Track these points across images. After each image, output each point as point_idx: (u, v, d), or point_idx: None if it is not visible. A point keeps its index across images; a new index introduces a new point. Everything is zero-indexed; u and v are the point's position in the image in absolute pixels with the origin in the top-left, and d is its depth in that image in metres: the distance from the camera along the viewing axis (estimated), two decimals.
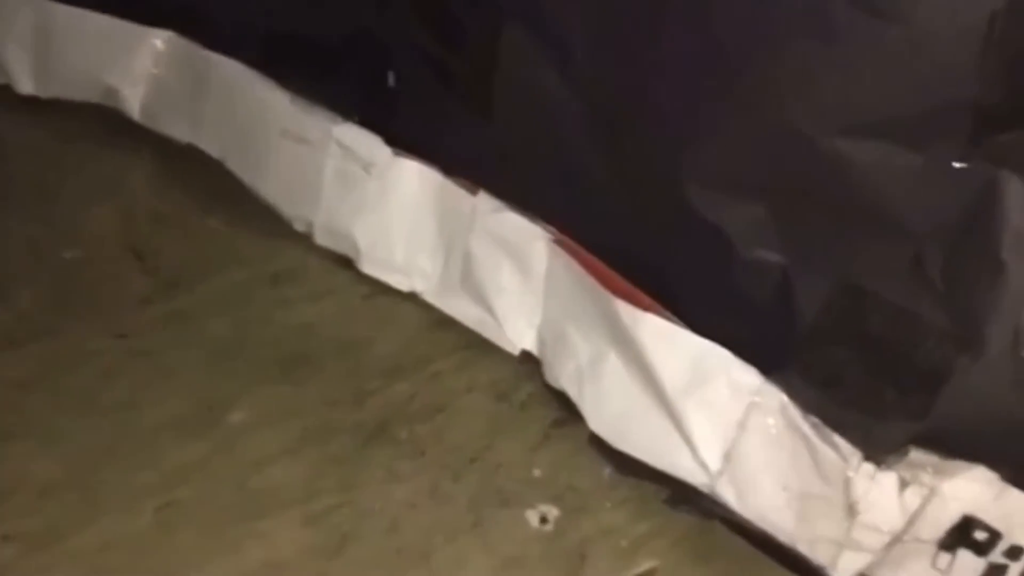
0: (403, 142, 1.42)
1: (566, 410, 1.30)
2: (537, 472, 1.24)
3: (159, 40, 1.65)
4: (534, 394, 1.34)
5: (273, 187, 1.55)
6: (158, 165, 1.62)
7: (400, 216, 1.45)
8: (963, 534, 1.04)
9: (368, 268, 1.48)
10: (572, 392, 1.31)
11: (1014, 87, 0.91)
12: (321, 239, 1.52)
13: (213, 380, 1.30)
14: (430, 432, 1.27)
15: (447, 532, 1.16)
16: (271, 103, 1.52)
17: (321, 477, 1.19)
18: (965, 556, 1.05)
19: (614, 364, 1.27)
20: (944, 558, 1.06)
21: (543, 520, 1.19)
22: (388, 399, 1.31)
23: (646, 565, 1.16)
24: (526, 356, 1.38)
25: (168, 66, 1.66)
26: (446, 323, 1.42)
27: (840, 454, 1.07)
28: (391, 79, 1.39)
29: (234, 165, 1.58)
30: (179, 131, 1.65)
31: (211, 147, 1.61)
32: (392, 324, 1.42)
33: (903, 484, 1.04)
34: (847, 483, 1.06)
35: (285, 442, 1.23)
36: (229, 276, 1.46)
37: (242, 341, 1.37)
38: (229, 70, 1.56)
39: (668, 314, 1.19)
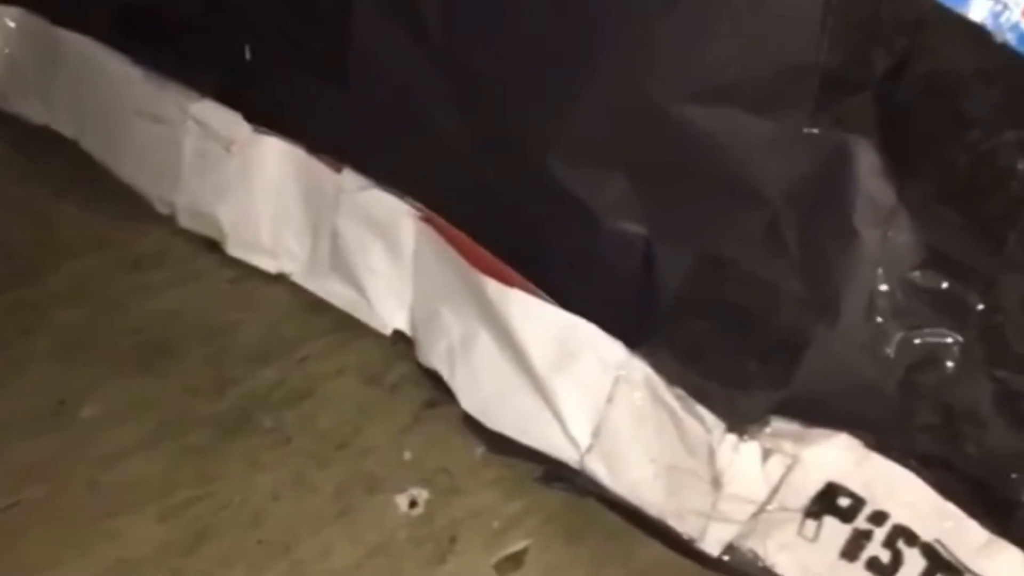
0: (263, 118, 1.36)
1: (439, 390, 1.27)
2: (408, 455, 1.21)
3: (8, 18, 1.57)
4: (406, 375, 1.31)
5: (132, 168, 1.49)
6: (8, 147, 1.55)
7: (264, 195, 1.40)
8: (828, 501, 1.04)
9: (234, 250, 1.43)
10: (444, 372, 1.28)
11: (857, 50, 0.90)
12: (184, 221, 1.46)
13: (65, 373, 1.24)
14: (296, 419, 1.23)
15: (312, 522, 1.12)
16: (125, 81, 1.45)
17: (178, 470, 1.15)
18: (831, 523, 1.05)
19: (485, 342, 1.24)
20: (810, 526, 1.06)
21: (412, 504, 1.16)
22: (253, 386, 1.26)
23: (517, 545, 1.14)
24: (399, 336, 1.34)
25: (19, 44, 1.58)
26: (316, 305, 1.38)
27: (704, 426, 1.06)
28: (247, 53, 1.33)
29: (90, 146, 1.52)
30: (33, 112, 1.58)
31: (66, 128, 1.54)
32: (259, 308, 1.38)
33: (766, 454, 1.04)
34: (711, 455, 1.06)
35: (141, 435, 1.18)
36: (85, 262, 1.39)
37: (98, 330, 1.31)
38: (81, 47, 1.49)
39: (535, 289, 1.17)
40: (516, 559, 1.13)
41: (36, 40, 1.56)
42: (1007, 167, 0.84)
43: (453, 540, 1.13)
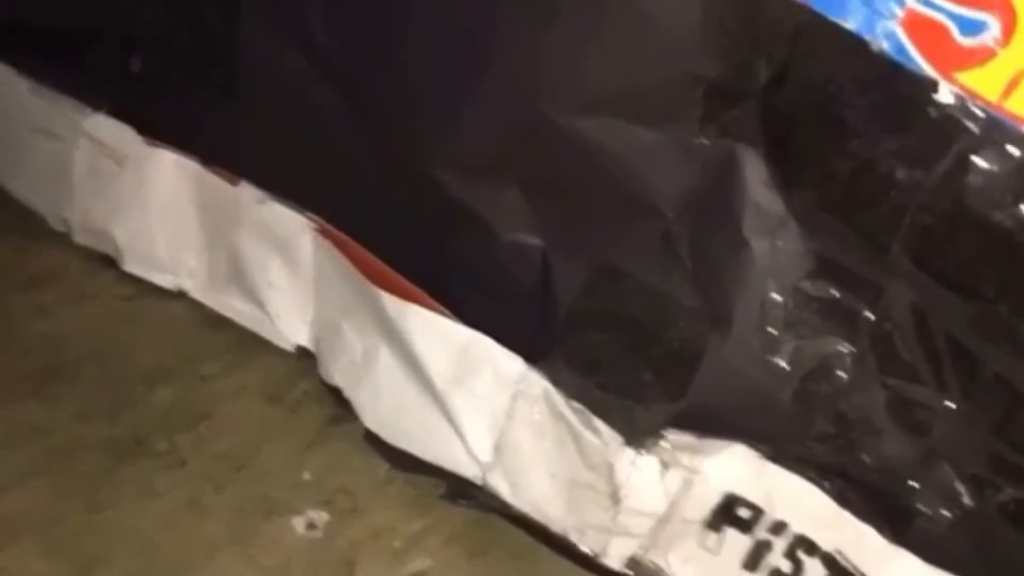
0: (156, 132, 1.32)
1: (342, 407, 1.24)
2: (307, 476, 1.18)
3: None
4: (309, 392, 1.28)
5: (25, 185, 1.43)
6: None
7: (160, 211, 1.36)
8: (727, 513, 1.03)
9: (131, 267, 1.38)
10: (346, 389, 1.25)
11: (738, 60, 0.89)
12: (80, 238, 1.41)
13: None
14: (192, 441, 1.19)
15: (206, 548, 1.09)
16: (17, 97, 1.40)
17: (66, 500, 1.11)
18: (732, 534, 1.04)
19: (386, 358, 1.21)
20: (712, 537, 1.05)
21: (311, 527, 1.13)
22: (148, 409, 1.22)
23: (418, 565, 1.12)
24: (302, 352, 1.32)
25: None
26: (217, 322, 1.34)
27: (602, 440, 1.05)
28: (136, 65, 1.29)
29: None
30: None
31: None
32: (157, 327, 1.33)
33: (664, 467, 1.03)
34: (610, 469, 1.04)
35: (27, 465, 1.13)
36: None
37: None
38: None
39: (434, 304, 1.15)
40: None
41: None
42: (887, 176, 0.83)
43: (352, 563, 1.11)
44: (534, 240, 1.07)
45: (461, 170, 1.08)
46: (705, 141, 0.95)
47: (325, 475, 1.19)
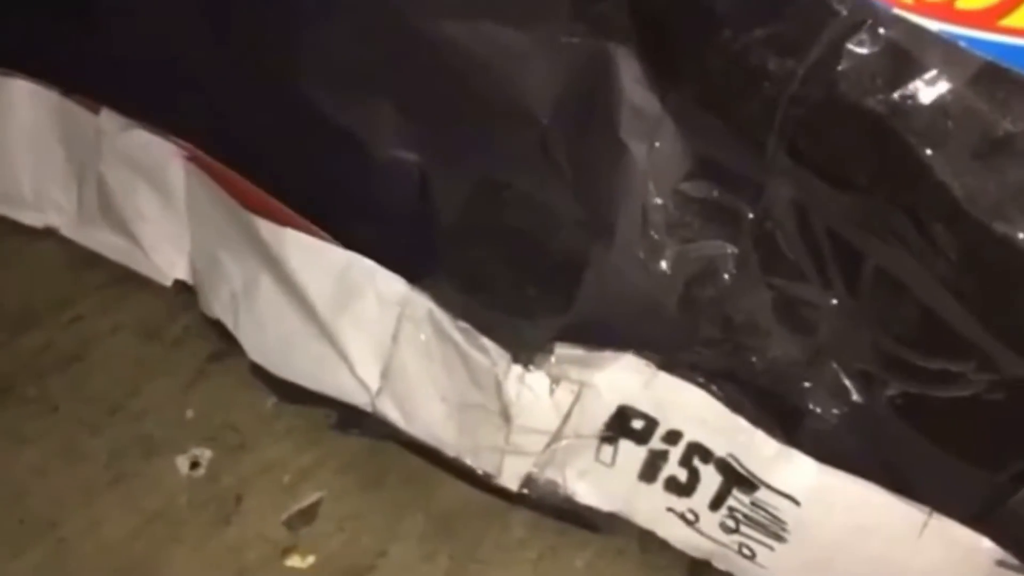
0: (7, 60, 1.24)
1: (225, 341, 1.19)
2: (190, 413, 1.14)
3: None
4: (190, 328, 1.23)
5: None
6: None
7: (20, 145, 1.28)
8: (621, 425, 1.02)
9: None
10: (228, 321, 1.20)
11: None
12: None
13: None
14: (65, 385, 1.14)
15: (83, 493, 1.05)
16: None
17: None
18: (627, 446, 1.03)
19: (267, 287, 1.16)
20: (607, 451, 1.04)
21: (195, 465, 1.09)
22: (14, 353, 1.16)
23: (310, 498, 1.09)
24: (181, 287, 1.26)
25: None
26: (90, 260, 1.27)
27: (490, 358, 1.01)
28: None
29: None
30: None
31: None
32: (24, 267, 1.27)
33: (554, 382, 1.00)
34: (499, 388, 1.01)
35: None
36: None
37: None
38: None
39: (312, 228, 1.10)
40: (308, 513, 1.07)
41: None
42: (759, 67, 0.79)
43: (239, 499, 1.07)
44: (411, 156, 1.02)
45: (329, 86, 1.02)
46: (575, 40, 0.90)
47: (209, 412, 1.14)
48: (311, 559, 1.03)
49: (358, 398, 1.11)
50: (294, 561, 1.03)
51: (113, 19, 1.13)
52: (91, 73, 1.19)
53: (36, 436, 1.08)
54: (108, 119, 1.22)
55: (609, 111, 0.91)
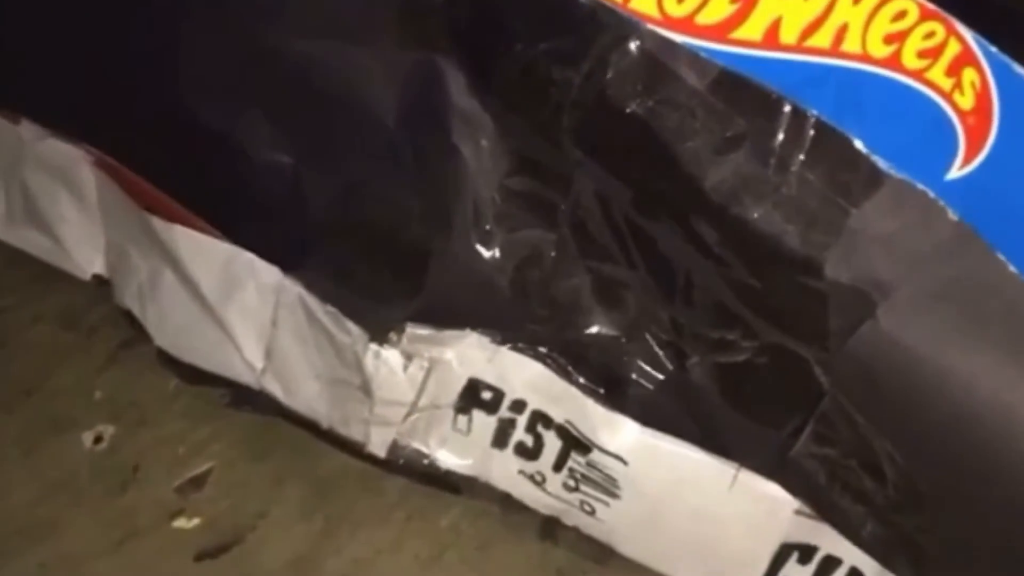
0: None
1: (135, 330, 1.31)
2: (98, 395, 1.26)
3: None
4: (105, 317, 1.34)
5: None
6: None
7: None
8: (472, 396, 1.13)
9: None
10: (137, 311, 1.32)
11: None
12: None
13: None
14: None
15: None
16: None
17: None
18: (479, 416, 1.14)
19: (168, 279, 1.28)
20: (462, 420, 1.15)
21: (98, 440, 1.21)
22: None
23: (201, 467, 1.20)
24: (99, 280, 1.38)
25: None
26: (17, 258, 1.39)
27: (352, 338, 1.13)
28: None
29: None
30: None
31: None
32: None
33: (407, 359, 1.12)
34: (360, 364, 1.13)
35: None
36: None
37: None
38: None
39: (200, 223, 1.22)
40: (199, 480, 1.19)
41: None
42: (546, 76, 0.91)
43: (136, 469, 1.19)
44: (284, 158, 1.14)
45: (205, 95, 1.14)
46: (409, 54, 1.03)
47: (116, 393, 1.26)
48: (197, 521, 1.15)
49: (247, 377, 1.22)
50: (180, 523, 1.15)
51: (16, 41, 1.26)
52: (6, 88, 1.32)
53: None
54: (27, 129, 1.34)
55: (442, 116, 1.03)
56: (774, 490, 1.05)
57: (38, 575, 1.10)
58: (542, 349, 1.09)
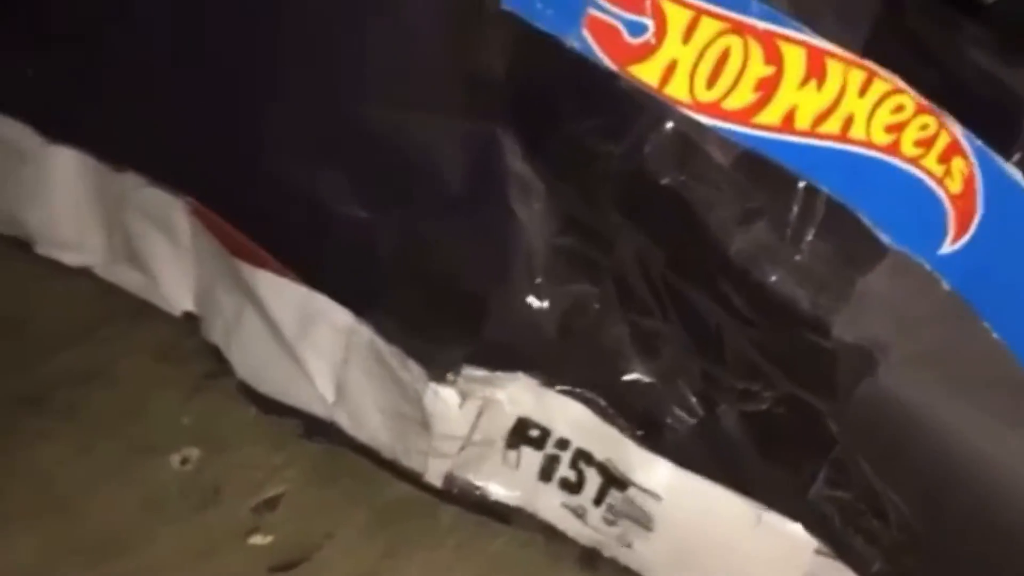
0: (55, 132, 1.52)
1: (220, 363, 1.44)
2: (186, 420, 1.39)
3: None
4: (194, 350, 1.47)
5: None
6: None
7: (66, 200, 1.55)
8: (521, 433, 1.23)
9: (42, 249, 1.59)
10: (222, 345, 1.45)
11: (480, 55, 1.08)
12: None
13: None
14: (87, 396, 1.40)
15: (93, 482, 1.30)
16: None
17: None
18: (527, 452, 1.24)
19: (250, 318, 1.41)
20: (511, 455, 1.25)
21: (184, 462, 1.34)
22: (51, 367, 1.42)
23: (277, 490, 1.32)
24: (189, 316, 1.52)
25: None
26: (116, 294, 1.53)
27: (413, 377, 1.25)
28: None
29: None
30: None
31: None
32: (64, 298, 1.53)
33: (463, 397, 1.23)
34: (420, 401, 1.25)
35: None
36: None
37: None
38: None
39: (281, 268, 1.35)
40: (273, 502, 1.31)
41: None
42: (591, 150, 1.03)
43: (217, 490, 1.31)
44: (360, 212, 1.27)
45: (294, 159, 1.27)
46: (473, 124, 1.15)
47: (202, 420, 1.39)
48: (270, 538, 1.27)
49: (319, 409, 1.35)
50: (255, 540, 1.26)
51: (125, 102, 1.41)
52: (116, 142, 1.47)
53: (60, 436, 1.34)
54: (130, 178, 1.49)
55: (500, 180, 1.15)
56: (796, 530, 1.13)
57: None
58: (586, 392, 1.19)
